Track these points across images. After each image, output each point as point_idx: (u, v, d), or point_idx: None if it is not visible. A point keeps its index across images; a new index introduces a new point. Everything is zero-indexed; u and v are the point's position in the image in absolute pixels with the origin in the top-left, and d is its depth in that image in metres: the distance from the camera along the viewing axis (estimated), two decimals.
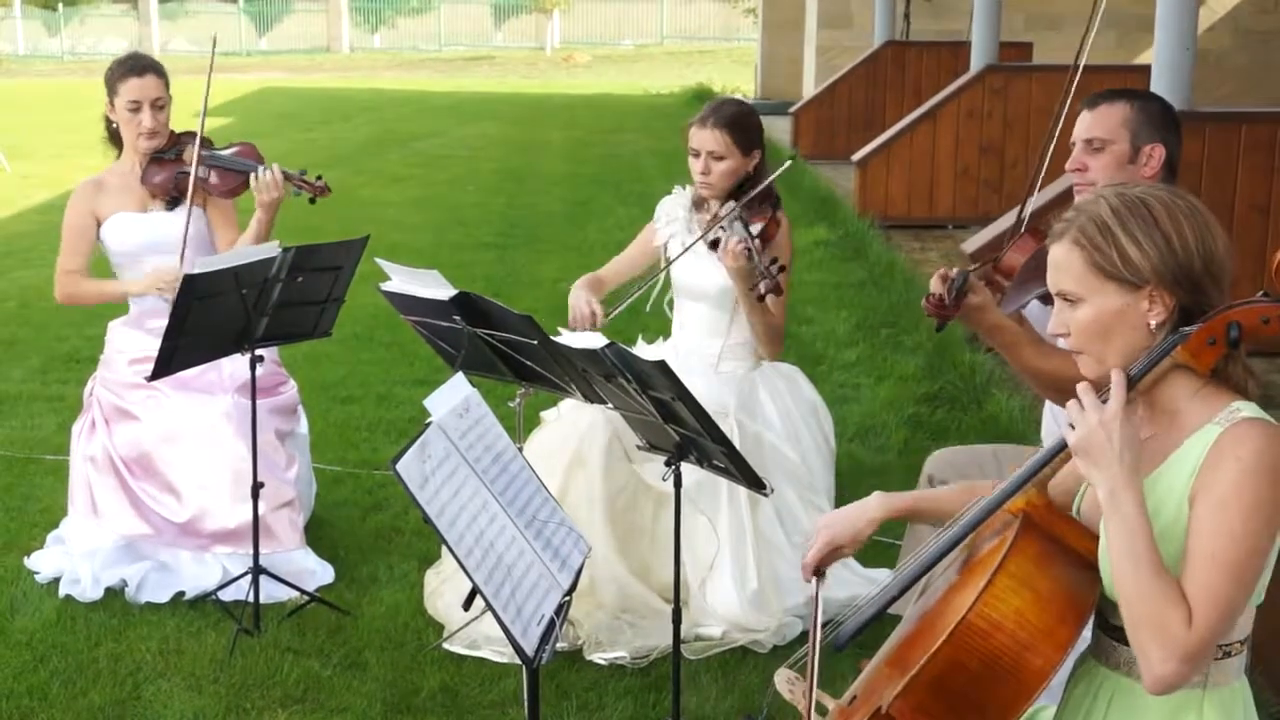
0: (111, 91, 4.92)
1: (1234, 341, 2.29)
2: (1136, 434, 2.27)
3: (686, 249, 4.53)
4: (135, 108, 4.87)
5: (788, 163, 4.40)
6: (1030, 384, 3.71)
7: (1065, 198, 3.60)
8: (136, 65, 4.91)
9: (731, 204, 4.47)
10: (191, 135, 4.95)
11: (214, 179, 4.92)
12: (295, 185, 4.86)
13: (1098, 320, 2.35)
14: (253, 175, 4.82)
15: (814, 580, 2.75)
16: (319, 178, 4.89)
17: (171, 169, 4.94)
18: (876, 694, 2.40)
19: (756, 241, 4.27)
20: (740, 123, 4.53)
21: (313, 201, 4.90)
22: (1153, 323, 2.32)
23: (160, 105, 4.90)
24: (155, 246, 4.92)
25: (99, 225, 4.98)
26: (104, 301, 5.16)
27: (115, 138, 5.04)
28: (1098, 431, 2.23)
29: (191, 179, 4.86)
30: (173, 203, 4.96)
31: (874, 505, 2.77)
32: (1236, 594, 2.20)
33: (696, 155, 4.55)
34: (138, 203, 4.99)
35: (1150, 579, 2.18)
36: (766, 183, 4.47)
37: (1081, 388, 2.30)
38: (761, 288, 4.15)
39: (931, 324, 3.63)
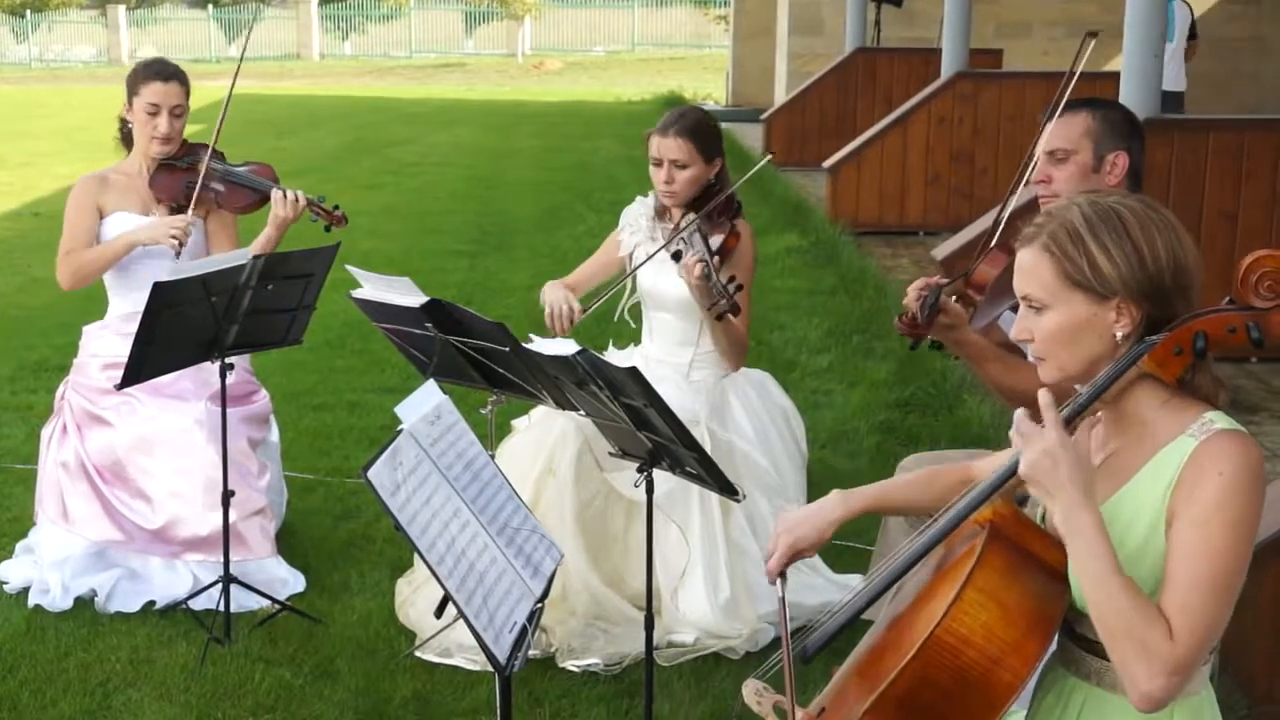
0: (132, 92, 4.94)
1: (1200, 352, 2.26)
2: (1085, 454, 2.24)
3: (648, 259, 4.52)
4: (154, 111, 4.89)
5: (731, 183, 4.41)
6: (997, 397, 3.73)
7: (1032, 207, 3.61)
8: (163, 71, 4.95)
9: (691, 216, 4.46)
10: (204, 147, 4.99)
11: (224, 192, 4.96)
12: (314, 212, 4.93)
13: (1063, 328, 2.32)
14: (278, 194, 4.87)
15: (779, 582, 2.73)
16: (336, 207, 4.96)
17: (181, 177, 4.97)
18: (845, 706, 2.39)
19: (715, 260, 4.21)
20: (702, 130, 4.53)
21: (328, 229, 4.96)
22: (1119, 334, 2.30)
23: (178, 114, 4.93)
24: (150, 250, 4.90)
25: (101, 219, 4.97)
26: (108, 262, 4.92)
27: (127, 138, 5.05)
28: (1043, 459, 2.20)
29: (197, 190, 4.89)
30: (176, 210, 4.96)
31: (833, 505, 2.73)
32: (1221, 609, 2.18)
33: (659, 164, 4.55)
34: (140, 205, 5.00)
35: (1122, 599, 2.15)
36: (728, 192, 4.47)
37: (1019, 415, 2.26)
38: (721, 306, 4.09)
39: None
